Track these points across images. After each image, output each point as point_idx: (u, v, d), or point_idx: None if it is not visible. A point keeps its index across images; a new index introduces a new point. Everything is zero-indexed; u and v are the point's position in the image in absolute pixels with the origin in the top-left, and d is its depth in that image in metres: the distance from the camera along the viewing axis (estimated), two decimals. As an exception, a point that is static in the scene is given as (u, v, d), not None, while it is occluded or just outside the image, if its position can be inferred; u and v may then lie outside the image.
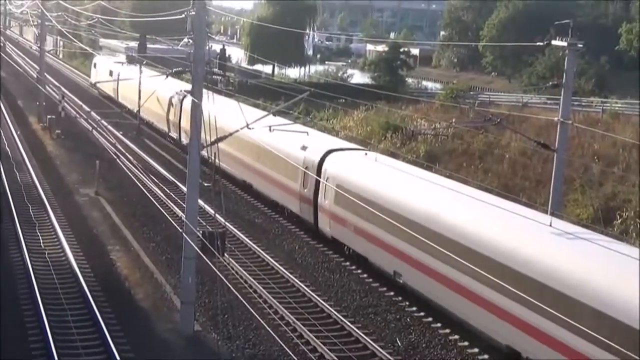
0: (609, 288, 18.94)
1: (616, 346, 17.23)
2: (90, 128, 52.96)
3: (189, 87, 29.75)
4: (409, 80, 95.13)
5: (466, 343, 24.21)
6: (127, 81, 62.50)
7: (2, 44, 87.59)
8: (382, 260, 28.57)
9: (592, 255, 20.66)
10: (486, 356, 23.42)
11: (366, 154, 33.67)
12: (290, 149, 35.27)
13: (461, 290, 23.80)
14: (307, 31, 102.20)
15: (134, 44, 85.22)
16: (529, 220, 23.07)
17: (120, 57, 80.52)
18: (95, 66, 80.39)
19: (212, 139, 22.47)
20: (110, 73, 71.57)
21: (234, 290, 21.20)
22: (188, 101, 50.29)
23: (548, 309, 19.28)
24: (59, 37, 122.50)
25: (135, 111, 59.36)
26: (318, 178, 32.33)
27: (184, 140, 47.58)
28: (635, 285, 18.24)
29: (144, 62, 60.95)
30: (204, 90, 22.89)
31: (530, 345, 21.06)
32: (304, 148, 34.99)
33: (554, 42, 28.58)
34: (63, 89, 69.85)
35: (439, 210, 25.54)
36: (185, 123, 46.38)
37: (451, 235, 24.10)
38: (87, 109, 61.18)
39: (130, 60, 70.54)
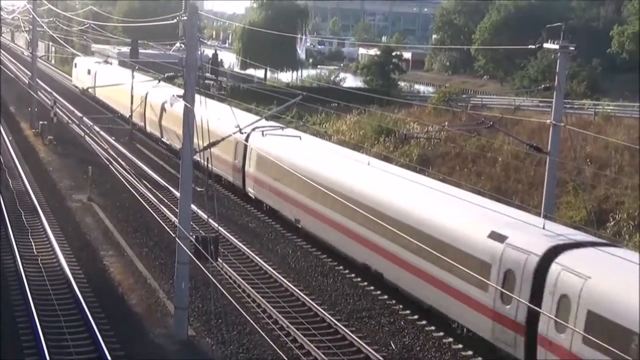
0: None
1: None
2: (83, 134, 52.88)
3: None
4: (402, 83, 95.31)
5: (460, 345, 24.21)
6: (103, 77, 70.98)
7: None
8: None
9: None
10: (480, 359, 23.42)
11: (282, 129, 39.70)
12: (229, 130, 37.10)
13: (340, 228, 30.25)
14: (299, 35, 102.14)
15: (126, 49, 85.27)
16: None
17: (97, 58, 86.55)
18: (75, 66, 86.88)
19: (204, 144, 22.46)
20: (89, 71, 78.49)
21: (228, 295, 21.20)
22: (154, 95, 54.96)
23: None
24: (50, 43, 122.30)
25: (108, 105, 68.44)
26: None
27: (149, 128, 57.17)
28: None
29: (137, 67, 60.97)
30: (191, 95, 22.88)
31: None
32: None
33: (545, 45, 28.61)
34: (55, 94, 69.69)
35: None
36: (150, 113, 56.21)
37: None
38: (79, 114, 61.05)
39: (107, 61, 78.80)
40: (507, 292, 21.19)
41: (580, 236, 22.88)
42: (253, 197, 39.38)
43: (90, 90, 76.06)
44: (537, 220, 24.00)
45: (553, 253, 20.82)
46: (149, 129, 57.70)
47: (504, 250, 22.00)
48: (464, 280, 22.95)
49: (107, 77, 69.11)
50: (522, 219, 24.07)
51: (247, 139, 38.88)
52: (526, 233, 22.40)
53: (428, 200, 26.89)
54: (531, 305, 20.10)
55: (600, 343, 17.65)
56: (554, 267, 20.29)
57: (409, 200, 27.19)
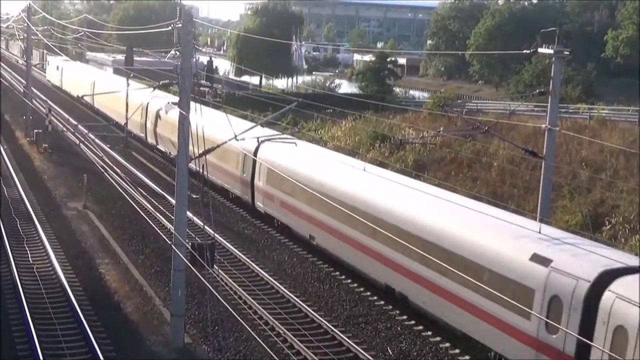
0: None
1: None
2: (78, 141, 52.82)
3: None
4: (397, 89, 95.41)
5: (457, 351, 24.19)
6: (69, 73, 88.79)
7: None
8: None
9: None
10: (477, 364, 23.40)
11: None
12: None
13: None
14: (294, 42, 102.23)
15: (121, 57, 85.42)
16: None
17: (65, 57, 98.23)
18: (48, 64, 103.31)
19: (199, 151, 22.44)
20: (57, 67, 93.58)
21: (224, 302, 21.15)
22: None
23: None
24: (45, 51, 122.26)
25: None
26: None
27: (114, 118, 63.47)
28: None
29: (132, 75, 61.04)
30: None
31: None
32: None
33: (540, 50, 28.62)
34: (50, 102, 69.66)
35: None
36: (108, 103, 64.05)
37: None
38: (74, 122, 60.98)
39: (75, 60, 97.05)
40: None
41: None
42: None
43: (57, 83, 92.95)
44: (533, 225, 24.00)
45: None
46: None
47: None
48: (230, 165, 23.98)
49: (72, 72, 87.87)
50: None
51: (255, 153, 37.68)
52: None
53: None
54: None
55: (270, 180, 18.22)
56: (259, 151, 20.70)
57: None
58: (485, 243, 23.09)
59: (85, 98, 72.22)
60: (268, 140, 38.36)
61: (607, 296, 18.49)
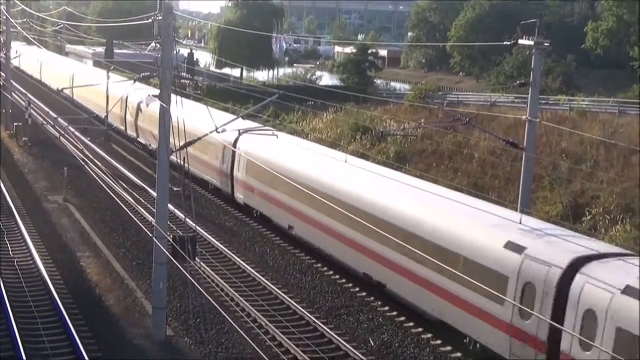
0: None
1: None
2: (58, 134, 52.58)
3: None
4: (378, 81, 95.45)
5: (439, 341, 24.27)
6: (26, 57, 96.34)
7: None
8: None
9: None
10: (459, 354, 23.49)
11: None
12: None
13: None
14: (275, 34, 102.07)
15: (100, 50, 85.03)
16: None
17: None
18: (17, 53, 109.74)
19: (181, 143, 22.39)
20: (16, 52, 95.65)
21: (206, 294, 21.12)
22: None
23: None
24: (24, 44, 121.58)
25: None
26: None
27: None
28: None
29: (112, 67, 60.80)
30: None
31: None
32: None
33: (520, 42, 28.69)
34: (29, 95, 69.33)
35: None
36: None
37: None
38: (54, 115, 60.71)
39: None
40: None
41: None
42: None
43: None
44: (514, 215, 24.13)
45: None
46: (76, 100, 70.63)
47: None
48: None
49: (29, 57, 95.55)
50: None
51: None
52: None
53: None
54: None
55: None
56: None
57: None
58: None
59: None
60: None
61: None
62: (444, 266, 21.55)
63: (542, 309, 19.76)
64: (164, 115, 22.76)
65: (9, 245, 31.92)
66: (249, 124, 41.01)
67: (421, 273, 24.62)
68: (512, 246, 21.53)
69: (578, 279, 19.12)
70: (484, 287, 20.00)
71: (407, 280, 25.51)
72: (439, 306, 24.04)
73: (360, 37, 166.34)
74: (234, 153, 37.96)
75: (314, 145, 38.06)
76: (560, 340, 19.29)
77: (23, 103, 61.17)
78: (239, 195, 38.17)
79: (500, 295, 20.46)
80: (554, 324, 19.01)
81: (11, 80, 62.33)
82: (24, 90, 73.20)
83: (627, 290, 17.83)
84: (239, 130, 38.09)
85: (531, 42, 28.02)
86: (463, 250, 22.88)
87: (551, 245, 21.05)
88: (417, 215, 25.54)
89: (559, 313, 19.34)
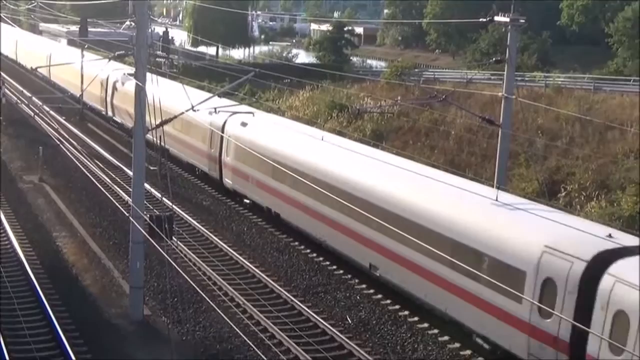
0: None
1: None
2: (32, 114, 52.16)
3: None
4: (354, 59, 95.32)
5: (416, 318, 24.39)
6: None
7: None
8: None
9: None
10: (436, 330, 23.62)
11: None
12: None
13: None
14: (251, 12, 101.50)
15: (75, 28, 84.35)
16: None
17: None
18: None
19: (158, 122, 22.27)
20: None
21: (183, 274, 21.08)
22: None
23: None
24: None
25: None
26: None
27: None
28: None
29: (86, 46, 60.32)
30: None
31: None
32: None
33: (496, 19, 28.74)
34: (3, 74, 68.65)
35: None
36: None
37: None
38: (29, 94, 60.25)
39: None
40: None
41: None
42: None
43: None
44: (490, 192, 24.22)
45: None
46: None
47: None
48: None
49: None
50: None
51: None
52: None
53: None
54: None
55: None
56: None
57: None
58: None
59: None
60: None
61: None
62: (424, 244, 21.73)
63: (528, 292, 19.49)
64: (140, 93, 22.64)
65: (-16, 226, 31.75)
66: (226, 102, 40.74)
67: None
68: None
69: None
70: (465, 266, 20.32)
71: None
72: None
73: (336, 14, 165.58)
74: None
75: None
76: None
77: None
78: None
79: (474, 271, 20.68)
80: (576, 322, 17.68)
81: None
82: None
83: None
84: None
85: (507, 19, 28.08)
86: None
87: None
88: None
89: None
